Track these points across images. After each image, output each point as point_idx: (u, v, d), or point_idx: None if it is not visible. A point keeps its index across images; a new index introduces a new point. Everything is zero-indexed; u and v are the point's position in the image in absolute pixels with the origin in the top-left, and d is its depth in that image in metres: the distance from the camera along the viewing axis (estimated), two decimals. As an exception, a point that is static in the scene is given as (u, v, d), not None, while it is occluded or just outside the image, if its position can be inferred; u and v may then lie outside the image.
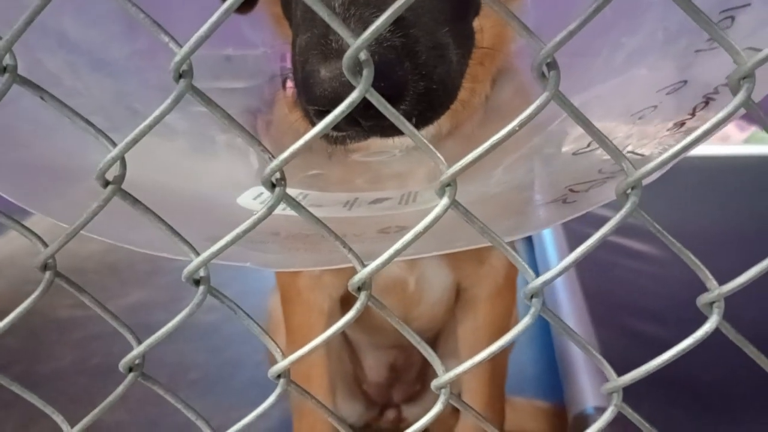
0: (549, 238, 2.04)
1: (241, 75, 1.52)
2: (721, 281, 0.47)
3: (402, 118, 0.44)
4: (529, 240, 2.27)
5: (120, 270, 2.37)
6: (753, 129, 2.85)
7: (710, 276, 0.46)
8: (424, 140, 0.45)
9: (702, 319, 0.48)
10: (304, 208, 0.48)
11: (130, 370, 0.54)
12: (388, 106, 0.43)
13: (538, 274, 0.47)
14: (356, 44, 0.41)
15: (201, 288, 0.51)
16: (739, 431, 1.34)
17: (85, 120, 0.48)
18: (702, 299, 0.46)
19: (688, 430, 1.33)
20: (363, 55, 0.42)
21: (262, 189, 0.46)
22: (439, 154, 0.45)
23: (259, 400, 0.56)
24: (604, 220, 0.46)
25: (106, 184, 0.48)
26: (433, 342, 1.35)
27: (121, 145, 0.46)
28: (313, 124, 0.51)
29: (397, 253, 0.47)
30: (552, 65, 0.41)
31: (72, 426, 0.59)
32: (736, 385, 1.42)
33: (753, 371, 0.58)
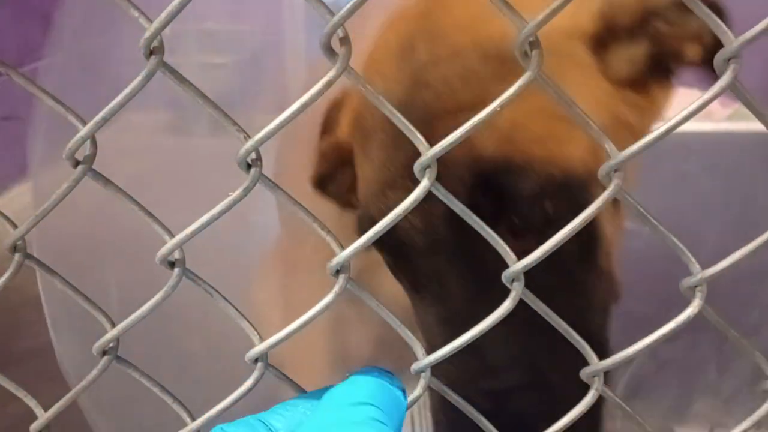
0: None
1: (224, 50, 1.50)
2: (701, 257, 0.46)
3: (380, 97, 0.43)
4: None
5: (103, 246, 2.33)
6: (736, 105, 2.85)
7: (693, 260, 0.45)
8: (404, 120, 0.44)
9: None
10: (281, 189, 0.47)
11: (104, 353, 0.53)
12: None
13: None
14: (333, 21, 0.40)
15: (176, 270, 0.50)
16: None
17: (52, 97, 0.46)
18: (684, 283, 0.46)
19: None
20: (341, 32, 0.41)
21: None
22: (419, 135, 0.44)
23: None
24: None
25: (76, 164, 0.47)
26: None
27: (90, 124, 0.45)
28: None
29: (376, 234, 0.46)
30: (534, 44, 0.40)
31: (46, 409, 0.58)
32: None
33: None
